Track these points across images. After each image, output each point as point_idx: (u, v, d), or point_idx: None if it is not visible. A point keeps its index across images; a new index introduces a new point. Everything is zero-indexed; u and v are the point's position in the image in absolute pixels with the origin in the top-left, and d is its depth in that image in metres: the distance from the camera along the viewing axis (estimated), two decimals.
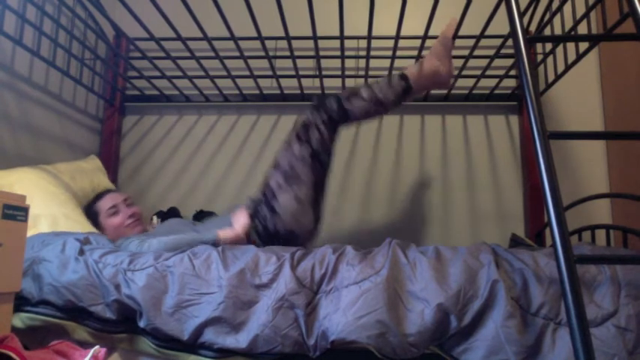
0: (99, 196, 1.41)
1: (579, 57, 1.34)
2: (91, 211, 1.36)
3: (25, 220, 0.78)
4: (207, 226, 1.30)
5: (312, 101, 1.26)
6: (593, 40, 1.28)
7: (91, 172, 1.56)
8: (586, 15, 1.24)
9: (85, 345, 0.84)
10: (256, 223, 1.23)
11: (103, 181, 1.60)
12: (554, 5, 1.42)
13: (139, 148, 1.87)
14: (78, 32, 1.62)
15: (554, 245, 0.68)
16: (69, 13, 1.48)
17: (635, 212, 1.51)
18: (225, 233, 1.16)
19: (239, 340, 0.84)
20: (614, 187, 1.66)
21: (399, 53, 1.52)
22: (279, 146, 1.25)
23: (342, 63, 1.58)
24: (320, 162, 1.21)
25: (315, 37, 1.40)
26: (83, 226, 1.27)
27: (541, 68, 1.65)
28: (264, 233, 1.21)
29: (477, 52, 1.48)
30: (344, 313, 0.82)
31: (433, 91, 1.74)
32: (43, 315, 0.92)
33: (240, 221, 1.21)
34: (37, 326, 0.92)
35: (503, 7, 1.10)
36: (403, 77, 1.24)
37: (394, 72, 1.28)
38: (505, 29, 1.06)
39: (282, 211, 1.19)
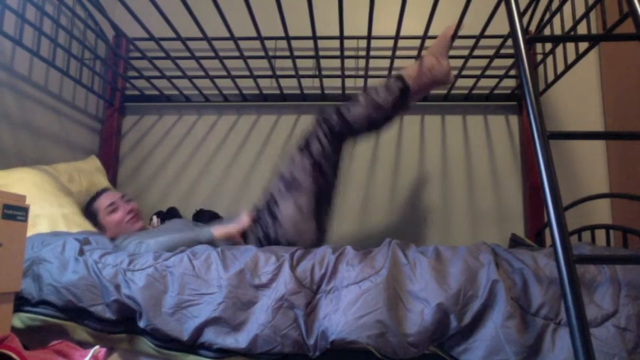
0: (96, 195, 1.42)
1: (579, 57, 1.34)
2: (89, 211, 1.36)
3: (25, 220, 0.78)
4: (208, 227, 1.31)
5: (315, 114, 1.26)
6: (593, 40, 1.28)
7: (90, 173, 1.56)
8: (586, 15, 1.24)
9: (85, 345, 0.84)
10: (258, 229, 1.23)
11: (102, 182, 1.60)
12: (554, 5, 1.42)
13: (138, 148, 1.87)
14: (78, 32, 1.62)
15: (553, 245, 0.67)
16: (68, 13, 1.48)
17: (635, 212, 1.51)
18: (219, 231, 1.18)
19: (239, 341, 0.84)
20: (614, 187, 1.65)
21: (398, 53, 1.52)
22: (280, 147, 1.25)
23: (342, 63, 1.58)
24: (322, 173, 1.21)
25: (314, 37, 1.39)
26: (82, 226, 1.28)
27: (541, 68, 1.65)
28: (265, 241, 1.21)
29: (476, 52, 1.47)
30: (344, 313, 0.82)
31: (433, 91, 1.74)
32: (43, 315, 0.92)
33: (240, 220, 1.23)
34: (37, 326, 0.92)
35: (502, 7, 1.10)
36: (399, 78, 1.24)
37: (393, 72, 1.28)
38: (505, 29, 1.06)
39: (283, 218, 1.19)
